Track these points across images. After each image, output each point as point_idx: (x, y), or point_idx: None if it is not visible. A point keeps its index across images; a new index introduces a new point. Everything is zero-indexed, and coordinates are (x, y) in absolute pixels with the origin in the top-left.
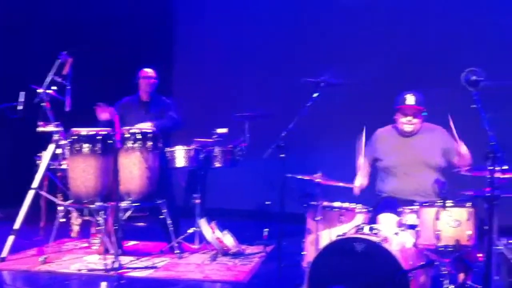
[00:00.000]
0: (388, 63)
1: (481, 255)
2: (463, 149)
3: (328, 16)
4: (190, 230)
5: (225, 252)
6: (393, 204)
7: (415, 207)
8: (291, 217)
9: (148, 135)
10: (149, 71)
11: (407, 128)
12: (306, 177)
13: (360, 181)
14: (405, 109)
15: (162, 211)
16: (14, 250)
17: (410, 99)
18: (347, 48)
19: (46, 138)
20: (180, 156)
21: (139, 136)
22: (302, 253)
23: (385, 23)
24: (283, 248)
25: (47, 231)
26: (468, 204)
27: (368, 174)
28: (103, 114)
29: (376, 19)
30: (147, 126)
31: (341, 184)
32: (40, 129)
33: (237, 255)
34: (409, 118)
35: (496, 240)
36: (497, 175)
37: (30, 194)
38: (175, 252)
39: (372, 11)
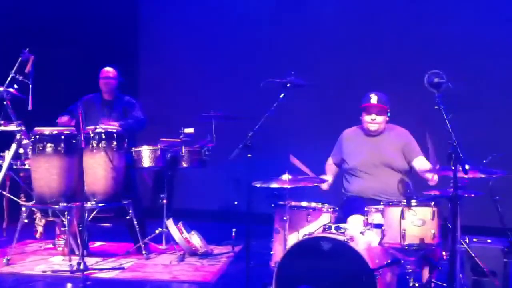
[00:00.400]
0: (354, 64)
1: (445, 253)
2: (435, 177)
3: (294, 16)
4: (157, 231)
5: (193, 253)
6: (358, 204)
7: (381, 207)
8: (259, 217)
9: (113, 134)
10: (108, 70)
11: (372, 127)
12: (274, 185)
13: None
14: (369, 107)
15: (129, 211)
16: None
17: (373, 98)
18: (313, 49)
19: (8, 137)
20: (146, 156)
21: (104, 136)
22: (270, 252)
23: (352, 23)
24: (251, 248)
25: (10, 232)
26: (432, 203)
27: (335, 173)
28: (62, 120)
29: (344, 19)
30: (112, 125)
31: (308, 184)
32: (1, 128)
33: (205, 255)
34: (373, 116)
35: (460, 239)
36: (460, 175)
37: None
38: (143, 252)
39: (338, 11)
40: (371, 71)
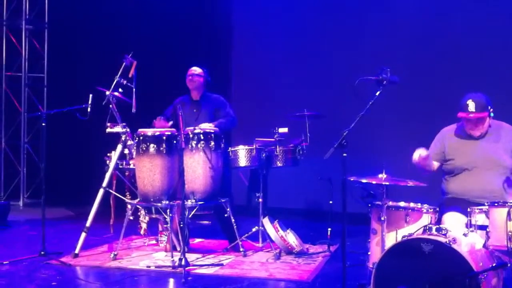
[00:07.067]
0: (452, 58)
1: None
2: None
3: (388, 15)
4: (254, 229)
5: (289, 251)
6: (459, 205)
7: (485, 207)
8: (354, 217)
9: (211, 135)
10: (194, 68)
11: (473, 133)
12: (370, 181)
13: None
14: (467, 118)
15: (226, 209)
16: (85, 246)
17: (471, 106)
18: (404, 47)
19: (115, 139)
20: (242, 155)
21: (202, 137)
22: (367, 253)
23: (446, 19)
24: (347, 248)
25: (117, 229)
26: None
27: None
28: (159, 123)
29: (435, 15)
30: (209, 126)
31: (407, 183)
32: (108, 130)
33: (300, 254)
34: (472, 126)
35: None
36: None
37: (100, 193)
38: (240, 250)
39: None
40: (471, 63)
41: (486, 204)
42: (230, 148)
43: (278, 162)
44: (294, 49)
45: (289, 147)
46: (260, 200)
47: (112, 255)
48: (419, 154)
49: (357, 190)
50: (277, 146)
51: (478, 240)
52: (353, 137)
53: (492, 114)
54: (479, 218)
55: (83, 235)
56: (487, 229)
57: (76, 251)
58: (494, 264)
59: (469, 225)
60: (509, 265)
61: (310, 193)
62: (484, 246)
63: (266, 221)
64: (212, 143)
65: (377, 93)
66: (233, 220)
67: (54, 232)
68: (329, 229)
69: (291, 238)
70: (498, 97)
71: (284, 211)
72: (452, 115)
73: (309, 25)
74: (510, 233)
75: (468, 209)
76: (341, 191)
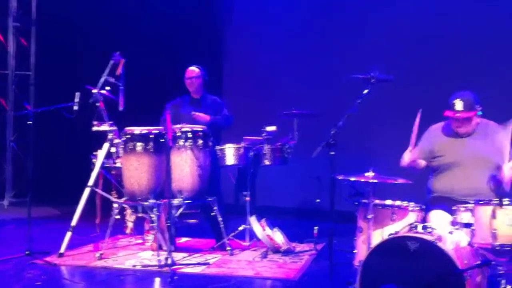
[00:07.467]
0: (439, 57)
1: None
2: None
3: (375, 13)
4: (241, 227)
5: (276, 250)
6: (445, 203)
7: (470, 205)
8: (341, 215)
9: (199, 133)
10: (193, 70)
11: (460, 131)
12: (358, 179)
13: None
14: (454, 117)
15: (213, 208)
16: (71, 246)
17: (458, 104)
18: (395, 44)
19: (101, 137)
20: (230, 154)
21: (190, 135)
22: (353, 251)
23: (437, 16)
24: (334, 246)
25: (103, 228)
26: None
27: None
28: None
29: (427, 12)
30: (203, 118)
31: (395, 181)
32: (95, 128)
33: (287, 252)
34: (459, 124)
35: None
36: None
37: (86, 192)
38: (227, 249)
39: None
40: (459, 61)
41: (471, 202)
42: (217, 146)
43: (266, 161)
44: (284, 48)
45: (277, 146)
46: (248, 198)
47: (98, 254)
48: (408, 157)
49: (345, 188)
50: (265, 145)
51: (463, 238)
52: (342, 136)
53: (480, 113)
54: (464, 216)
55: (69, 234)
56: (472, 227)
57: (62, 251)
58: (479, 262)
59: (454, 223)
60: (493, 263)
61: (299, 191)
62: (469, 244)
63: (253, 220)
64: (200, 141)
65: (365, 92)
66: (220, 219)
67: (40, 231)
68: (316, 227)
69: (278, 237)
70: (494, 97)
71: (273, 209)
72: (441, 114)
73: (300, 24)
74: (494, 231)
75: (454, 207)
76: (330, 189)
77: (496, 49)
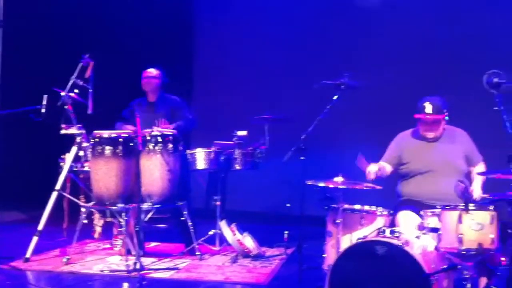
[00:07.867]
0: (408, 65)
1: (504, 259)
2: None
3: (347, 19)
4: (211, 232)
5: (246, 254)
6: (412, 207)
7: (437, 210)
8: (312, 219)
9: (169, 137)
10: (150, 70)
11: (428, 135)
12: (327, 184)
13: (378, 167)
14: (424, 120)
15: (183, 212)
16: (37, 250)
17: (427, 107)
18: (365, 51)
19: (69, 141)
20: (200, 158)
21: (160, 139)
22: (323, 255)
23: (405, 25)
24: (304, 251)
25: (70, 232)
26: (491, 207)
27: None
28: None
29: (395, 22)
30: (167, 128)
31: (363, 187)
32: (63, 131)
33: (257, 257)
34: (428, 127)
35: None
36: None
37: (53, 196)
38: (196, 253)
39: (390, 13)
40: (427, 71)
41: (438, 207)
42: (188, 150)
43: (237, 165)
44: (254, 51)
45: (248, 150)
46: (218, 203)
47: (65, 259)
48: (373, 172)
49: (316, 193)
50: (236, 149)
51: (430, 242)
52: (313, 141)
53: (447, 118)
54: (431, 221)
55: (35, 239)
56: (439, 232)
57: (27, 255)
58: (445, 266)
59: (421, 227)
60: (459, 267)
61: (269, 196)
62: (436, 248)
63: (223, 224)
64: (170, 145)
65: (335, 98)
66: (190, 224)
67: (5, 236)
68: (286, 232)
69: (248, 242)
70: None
71: (243, 214)
72: (411, 119)
73: (272, 28)
74: (460, 236)
75: (421, 212)
76: (300, 194)
77: (470, 62)
